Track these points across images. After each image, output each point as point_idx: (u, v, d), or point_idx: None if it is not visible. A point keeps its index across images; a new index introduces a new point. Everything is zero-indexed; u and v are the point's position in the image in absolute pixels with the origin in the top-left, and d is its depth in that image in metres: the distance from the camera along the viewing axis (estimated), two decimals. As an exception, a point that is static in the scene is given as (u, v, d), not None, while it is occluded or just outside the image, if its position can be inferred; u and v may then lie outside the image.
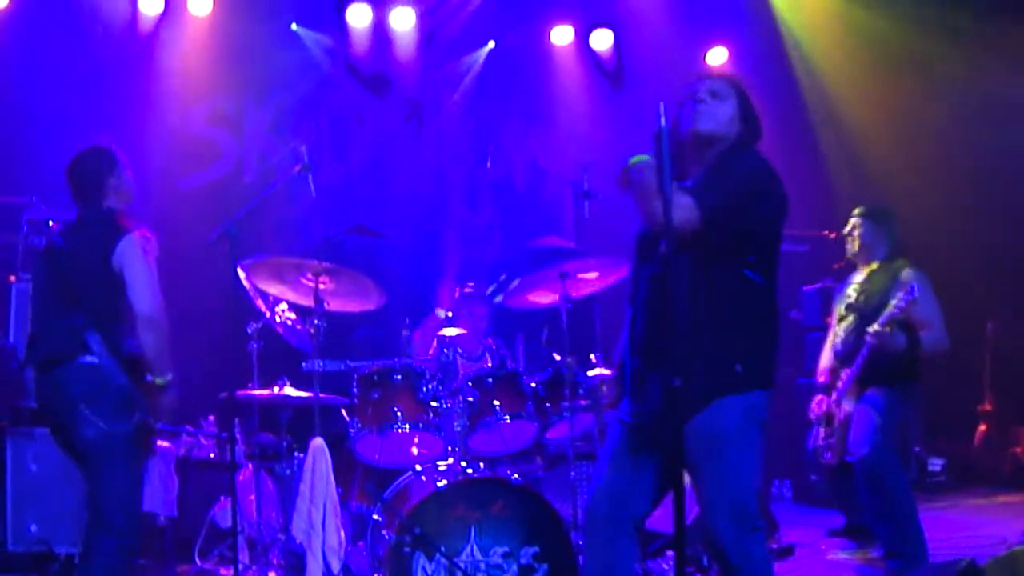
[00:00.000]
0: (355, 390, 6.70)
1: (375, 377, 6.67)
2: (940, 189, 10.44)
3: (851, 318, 7.22)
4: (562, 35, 11.42)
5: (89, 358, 5.44)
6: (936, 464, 10.44)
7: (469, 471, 6.19)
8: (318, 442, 6.21)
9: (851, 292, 7.33)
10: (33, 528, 7.21)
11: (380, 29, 10.84)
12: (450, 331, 7.11)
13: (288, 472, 6.93)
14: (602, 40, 11.44)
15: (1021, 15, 9.87)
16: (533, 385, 6.80)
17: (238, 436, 7.66)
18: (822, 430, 7.40)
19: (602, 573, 4.63)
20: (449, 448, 6.53)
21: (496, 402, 6.62)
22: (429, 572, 5.78)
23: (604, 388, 6.82)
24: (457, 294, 8.13)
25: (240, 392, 6.83)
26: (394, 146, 10.94)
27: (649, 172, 4.16)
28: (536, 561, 5.93)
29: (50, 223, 7.43)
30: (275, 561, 6.82)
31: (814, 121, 11.19)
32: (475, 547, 5.86)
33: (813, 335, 9.61)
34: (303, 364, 6.54)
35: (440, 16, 10.97)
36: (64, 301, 5.56)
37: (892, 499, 6.77)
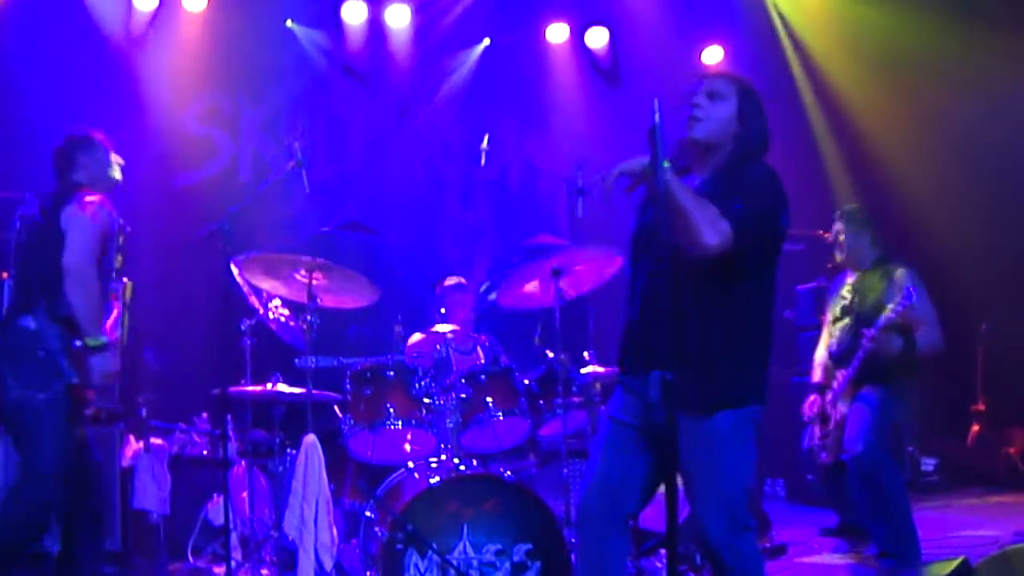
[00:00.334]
0: (348, 386, 6.70)
1: (368, 373, 6.67)
2: (934, 188, 10.43)
3: (847, 320, 7.22)
4: (557, 33, 11.41)
5: (26, 321, 5.49)
6: (929, 464, 10.44)
7: (462, 468, 6.19)
8: (311, 439, 6.20)
9: (845, 293, 7.33)
10: None
11: (375, 26, 10.82)
12: (443, 327, 7.10)
13: (281, 469, 6.91)
14: (597, 38, 11.44)
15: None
16: (526, 382, 6.80)
17: (231, 433, 7.64)
18: (817, 429, 7.41)
19: (595, 569, 4.61)
20: (442, 445, 6.53)
21: (489, 399, 6.62)
22: (422, 569, 5.78)
23: (597, 385, 6.81)
24: (444, 286, 8.10)
25: (233, 389, 6.81)
26: (388, 143, 10.92)
27: (678, 191, 4.13)
28: (529, 558, 5.93)
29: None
30: (268, 558, 6.82)
31: (809, 119, 11.19)
32: (468, 544, 5.85)
33: (807, 335, 9.62)
34: (296, 360, 6.53)
35: (435, 13, 10.96)
36: (21, 270, 5.62)
37: (886, 498, 6.77)
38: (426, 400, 6.58)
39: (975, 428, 10.51)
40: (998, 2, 10.01)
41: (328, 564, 6.12)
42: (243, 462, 7.47)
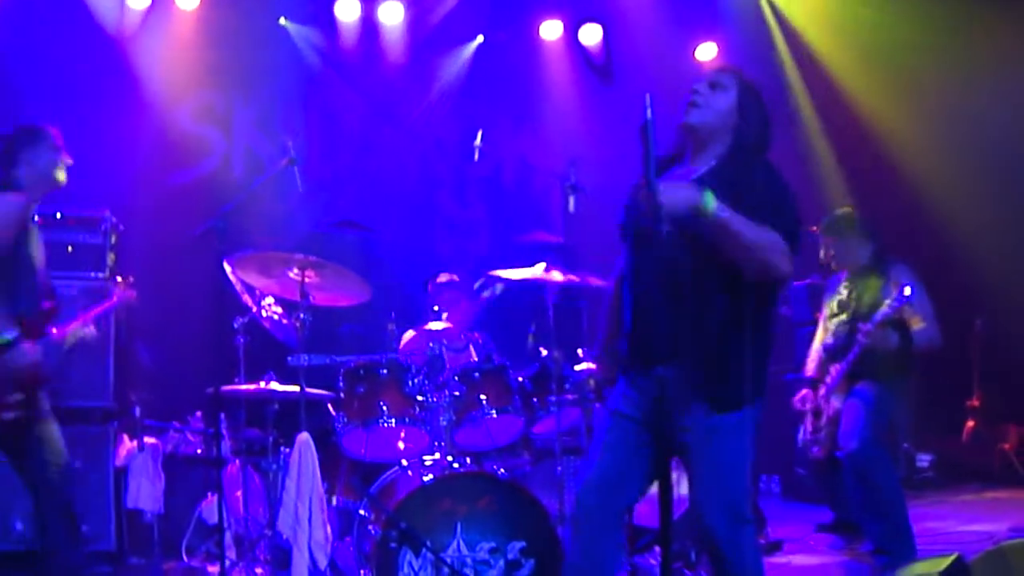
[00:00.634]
0: (341, 384, 6.69)
1: (361, 371, 6.66)
2: (928, 185, 10.44)
3: (843, 315, 7.21)
4: (551, 30, 11.41)
5: None
6: (924, 460, 10.44)
7: (455, 466, 6.18)
8: (304, 437, 6.19)
9: (842, 289, 7.32)
10: (18, 526, 7.17)
11: (368, 23, 10.82)
12: (436, 325, 7.09)
13: (274, 467, 6.89)
14: (591, 35, 11.44)
15: (1012, 13, 9.86)
16: (520, 379, 6.80)
17: (224, 432, 7.64)
18: (809, 424, 7.41)
19: (591, 563, 4.60)
20: (435, 443, 6.53)
21: (482, 396, 6.61)
22: (415, 567, 5.77)
23: (591, 382, 6.81)
24: (436, 283, 8.09)
25: (226, 387, 6.79)
26: (382, 140, 10.91)
27: (741, 226, 4.16)
28: (523, 556, 5.92)
29: (36, 218, 7.40)
30: (262, 557, 6.81)
31: (802, 115, 11.18)
32: (461, 542, 5.85)
33: (803, 330, 9.61)
34: (288, 358, 6.51)
35: (428, 10, 10.95)
36: None
37: (881, 495, 6.77)
38: (419, 398, 6.57)
39: (970, 424, 10.51)
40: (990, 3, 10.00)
41: (322, 562, 6.11)
42: (237, 461, 7.46)
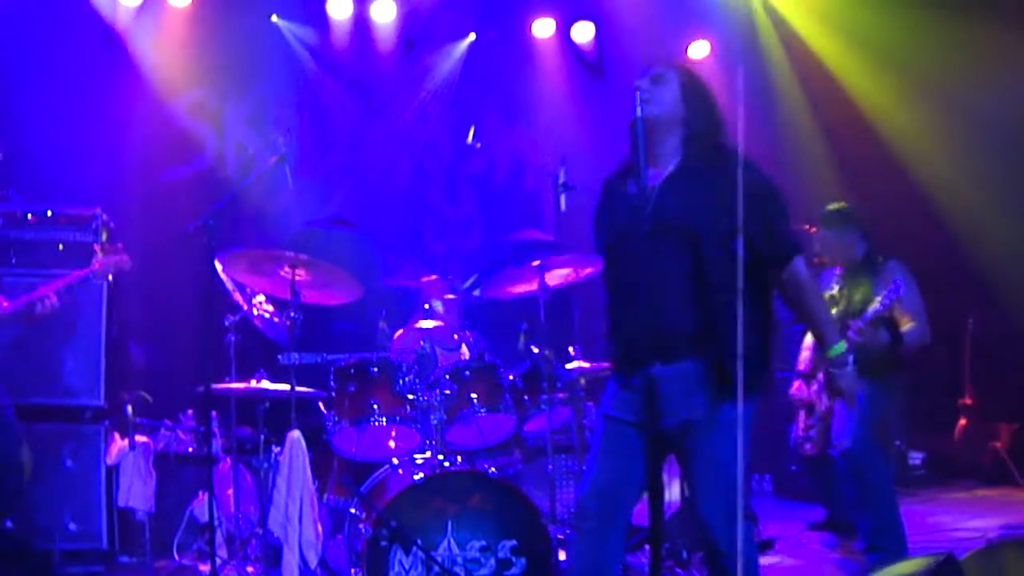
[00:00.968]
0: (332, 383, 6.68)
1: (352, 370, 6.65)
2: (920, 184, 10.44)
3: (834, 311, 7.21)
4: (543, 28, 11.40)
5: None
6: (916, 458, 10.44)
7: (446, 464, 6.17)
8: (295, 435, 6.18)
9: (835, 285, 7.32)
10: (8, 524, 7.16)
11: (360, 21, 10.80)
12: (427, 323, 7.08)
13: (265, 466, 6.88)
14: (583, 33, 11.43)
15: (991, 14, 9.86)
16: (511, 378, 6.79)
17: (215, 430, 7.64)
18: (802, 421, 7.40)
19: (593, 567, 4.61)
20: (426, 441, 6.52)
21: (473, 395, 6.60)
22: (406, 566, 5.77)
23: (582, 381, 6.81)
24: (427, 282, 8.08)
25: (217, 385, 6.79)
26: (373, 138, 10.90)
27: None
28: (514, 555, 5.92)
29: (28, 216, 7.40)
30: (253, 555, 6.80)
31: (795, 114, 11.17)
32: (452, 541, 5.84)
33: (794, 328, 9.60)
34: (279, 357, 6.51)
35: (421, 8, 10.94)
36: None
37: (873, 492, 6.77)
38: (410, 396, 6.57)
39: (962, 422, 10.51)
40: (981, 6, 9.99)
41: (313, 561, 6.11)
42: (228, 459, 7.45)
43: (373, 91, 11.08)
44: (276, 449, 6.70)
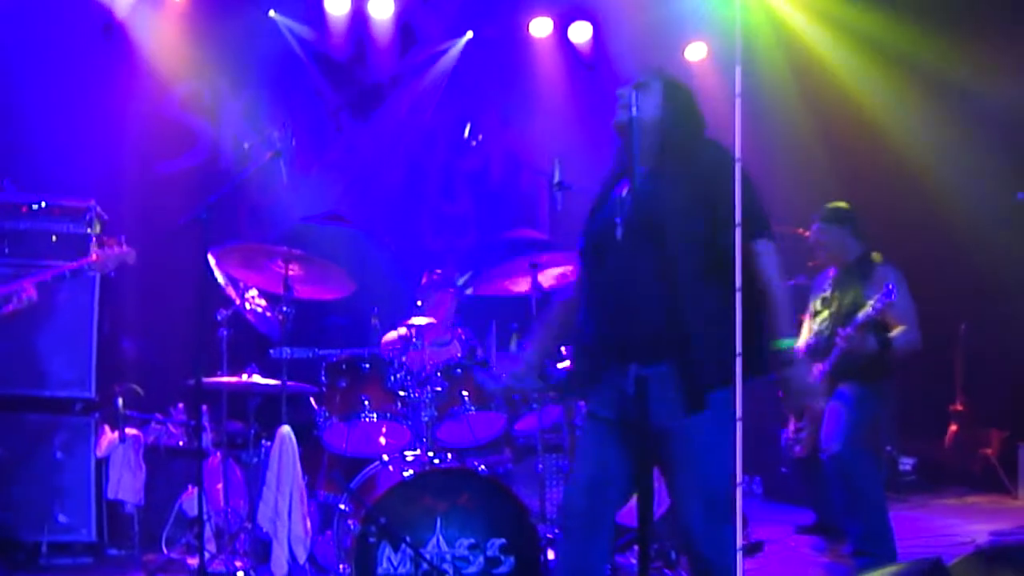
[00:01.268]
0: (323, 378, 6.67)
1: (343, 366, 6.65)
2: (915, 188, 10.43)
3: (826, 313, 7.22)
4: (541, 27, 11.39)
5: None
6: (907, 463, 10.46)
7: (436, 462, 6.16)
8: (285, 430, 6.18)
9: (827, 287, 7.32)
10: (61, 518, 7.17)
11: (358, 18, 10.79)
12: (419, 320, 7.08)
13: (255, 460, 6.89)
14: (581, 33, 11.43)
15: (995, 16, 9.87)
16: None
17: (206, 424, 7.62)
18: (792, 423, 7.41)
19: (579, 566, 4.61)
20: (416, 438, 6.50)
21: (464, 393, 6.59)
22: (395, 563, 5.76)
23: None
24: (424, 280, 8.07)
25: (208, 380, 6.78)
26: (369, 134, 10.90)
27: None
28: (503, 553, 5.91)
29: (22, 207, 7.39)
30: (241, 550, 6.80)
31: (790, 117, 11.16)
32: (441, 538, 5.83)
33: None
34: (271, 352, 6.50)
35: (418, 6, 10.94)
36: None
37: (862, 496, 6.77)
38: (401, 393, 6.56)
39: (953, 428, 10.51)
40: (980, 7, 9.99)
41: (301, 556, 6.11)
42: (218, 453, 7.44)
43: (370, 88, 11.06)
44: (266, 444, 6.70)
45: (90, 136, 9.30)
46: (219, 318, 7.00)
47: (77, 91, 9.46)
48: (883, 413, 7.79)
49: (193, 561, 6.87)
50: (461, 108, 10.97)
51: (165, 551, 7.37)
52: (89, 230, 7.41)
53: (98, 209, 7.53)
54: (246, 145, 10.18)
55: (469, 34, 11.22)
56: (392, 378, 6.58)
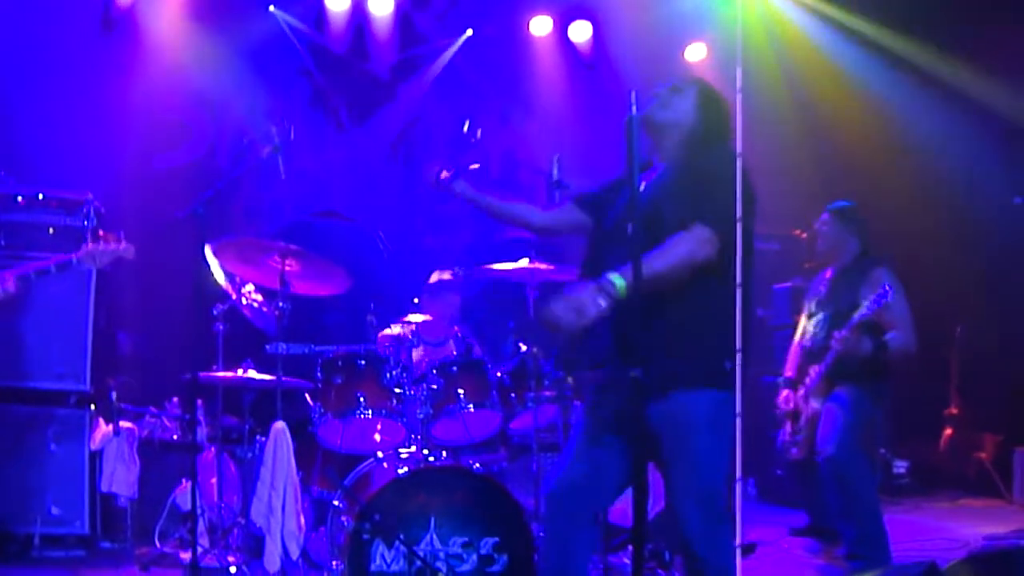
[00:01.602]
0: (319, 374, 6.66)
1: (339, 362, 6.63)
2: (911, 191, 10.44)
3: (821, 315, 7.22)
4: (541, 25, 11.40)
5: None
6: (901, 466, 10.45)
7: (431, 459, 6.16)
8: (279, 426, 6.17)
9: (823, 289, 7.33)
10: (54, 510, 7.16)
11: (358, 14, 10.80)
12: (415, 317, 7.07)
13: (250, 455, 6.89)
14: (581, 32, 11.44)
15: (991, 19, 9.87)
16: (498, 374, 6.77)
17: (201, 418, 7.62)
18: (788, 425, 7.41)
19: (559, 562, 4.61)
20: (411, 436, 6.49)
21: (460, 390, 6.58)
22: (388, 560, 5.75)
23: (570, 379, 6.80)
24: (435, 279, 8.05)
25: (204, 374, 6.77)
26: (367, 132, 10.90)
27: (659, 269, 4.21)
28: (496, 552, 5.90)
29: (19, 199, 7.38)
30: (234, 545, 6.80)
31: (787, 119, 11.16)
32: (435, 536, 5.82)
33: (782, 333, 9.61)
34: (267, 347, 6.49)
35: (418, 3, 10.94)
36: None
37: (857, 499, 6.77)
38: (397, 390, 6.54)
39: (948, 432, 10.52)
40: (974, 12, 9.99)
41: (295, 552, 6.09)
42: (212, 448, 7.44)
43: (368, 85, 11.06)
44: (261, 439, 6.69)
45: (88, 130, 9.29)
46: (215, 313, 7.00)
47: (75, 84, 9.45)
48: (878, 416, 7.79)
49: (186, 555, 6.84)
50: (460, 105, 10.97)
51: (158, 545, 7.37)
52: (86, 223, 7.39)
53: (95, 202, 7.52)
54: (245, 140, 10.18)
55: (469, 32, 11.23)
56: (388, 375, 6.57)
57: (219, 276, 6.74)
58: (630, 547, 6.71)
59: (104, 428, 7.47)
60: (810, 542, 7.92)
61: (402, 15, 10.92)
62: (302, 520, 6.19)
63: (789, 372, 7.49)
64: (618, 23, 11.20)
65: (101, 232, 6.63)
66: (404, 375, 6.59)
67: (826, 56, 10.97)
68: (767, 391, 8.50)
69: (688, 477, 4.40)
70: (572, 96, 11.50)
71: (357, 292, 6.95)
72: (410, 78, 11.21)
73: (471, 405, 6.58)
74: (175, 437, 7.99)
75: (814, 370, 7.13)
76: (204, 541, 6.96)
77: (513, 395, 6.80)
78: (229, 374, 6.85)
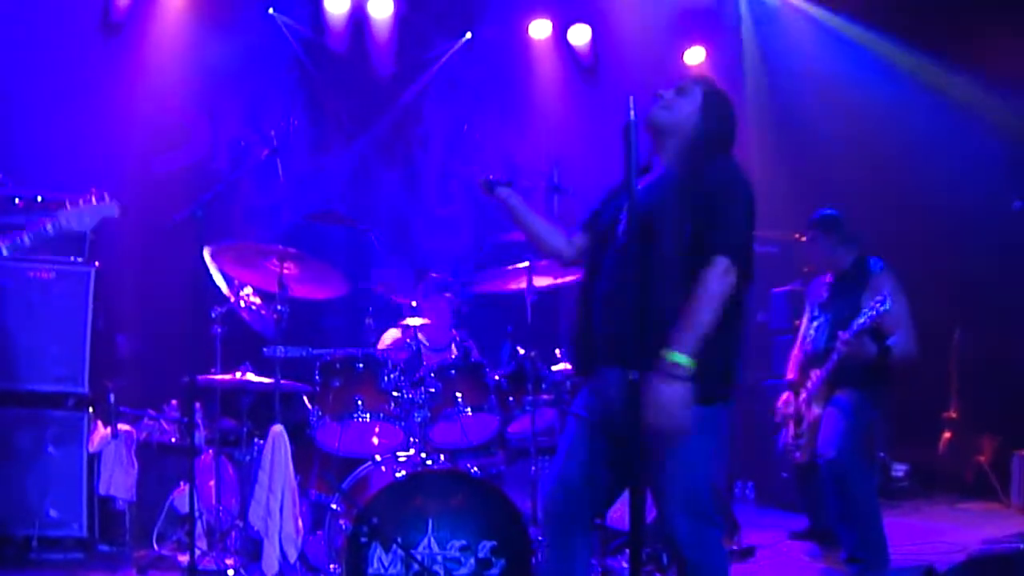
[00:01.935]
0: (317, 377, 6.65)
1: (337, 365, 6.62)
2: (910, 195, 10.44)
3: (823, 319, 7.22)
4: (540, 29, 11.41)
5: None
6: (900, 470, 10.46)
7: (429, 463, 6.15)
8: (277, 429, 6.17)
9: (824, 293, 7.33)
10: (52, 513, 7.16)
11: (357, 16, 10.80)
12: (414, 320, 7.07)
13: (248, 458, 6.88)
14: (580, 36, 11.45)
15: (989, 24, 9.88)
16: (496, 378, 6.77)
17: (199, 421, 7.62)
18: (791, 429, 7.40)
19: (560, 568, 4.60)
20: (409, 439, 6.48)
21: (458, 394, 6.57)
22: (385, 563, 5.74)
23: (568, 383, 6.80)
24: (420, 282, 8.06)
25: (202, 377, 6.77)
26: (366, 135, 10.90)
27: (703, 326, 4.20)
28: (494, 555, 5.89)
29: (16, 201, 7.38)
30: (232, 548, 6.79)
31: (786, 122, 11.17)
32: (432, 540, 5.81)
33: (781, 338, 9.61)
34: (265, 350, 6.48)
35: (418, 5, 10.94)
36: None
37: (856, 503, 6.77)
38: (395, 393, 6.53)
39: (946, 435, 10.51)
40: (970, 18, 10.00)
41: (292, 555, 6.09)
42: (210, 451, 7.43)
43: (367, 88, 11.06)
44: (259, 442, 6.69)
45: (86, 132, 9.29)
46: (214, 315, 7.00)
47: (74, 87, 9.45)
48: (879, 419, 7.79)
49: (184, 558, 6.85)
50: (458, 109, 10.97)
51: (156, 548, 7.37)
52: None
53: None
54: (243, 143, 10.19)
55: (468, 35, 11.23)
56: (386, 378, 6.55)
57: (218, 279, 6.74)
58: (628, 550, 6.75)
59: (102, 431, 7.47)
60: (810, 546, 7.91)
61: (401, 18, 10.91)
62: (300, 523, 6.19)
63: (791, 376, 7.50)
64: (617, 26, 11.20)
65: (75, 196, 6.45)
66: (402, 378, 6.58)
67: (825, 60, 10.98)
68: (767, 395, 8.51)
69: (673, 480, 4.38)
70: (571, 99, 11.50)
71: (354, 295, 6.96)
72: (409, 82, 11.20)
73: (469, 409, 6.57)
74: (173, 440, 7.98)
75: (815, 375, 7.13)
76: (202, 544, 6.94)
77: (511, 399, 6.79)
78: (227, 377, 6.85)
